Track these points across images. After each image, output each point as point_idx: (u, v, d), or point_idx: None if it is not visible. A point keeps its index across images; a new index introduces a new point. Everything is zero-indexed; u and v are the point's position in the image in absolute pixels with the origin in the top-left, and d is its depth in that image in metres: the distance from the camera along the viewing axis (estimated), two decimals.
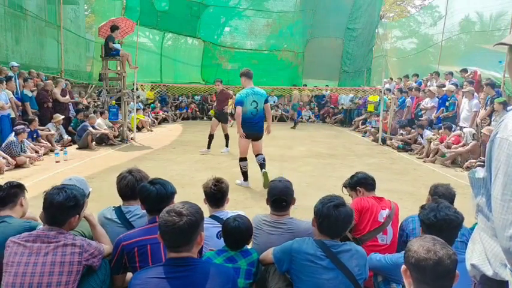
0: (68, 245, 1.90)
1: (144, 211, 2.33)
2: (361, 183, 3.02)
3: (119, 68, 10.23)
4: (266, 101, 5.72)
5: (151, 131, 13.31)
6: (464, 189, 5.35)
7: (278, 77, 18.96)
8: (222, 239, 2.34)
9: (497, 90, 8.59)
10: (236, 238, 2.26)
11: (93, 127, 9.60)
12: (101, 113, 10.33)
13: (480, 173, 1.27)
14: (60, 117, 9.49)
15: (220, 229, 2.37)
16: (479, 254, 1.16)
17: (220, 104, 9.09)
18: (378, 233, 2.74)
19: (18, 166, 7.05)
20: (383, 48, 18.92)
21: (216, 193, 2.67)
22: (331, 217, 2.03)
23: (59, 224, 1.96)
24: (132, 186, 2.48)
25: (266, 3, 19.38)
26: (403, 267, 1.46)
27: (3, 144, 7.15)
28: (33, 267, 1.82)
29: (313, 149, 9.80)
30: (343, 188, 3.16)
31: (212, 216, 2.66)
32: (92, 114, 10.00)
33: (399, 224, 2.79)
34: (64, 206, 1.92)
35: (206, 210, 2.55)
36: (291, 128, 15.03)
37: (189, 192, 5.08)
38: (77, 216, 2.02)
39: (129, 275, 2.18)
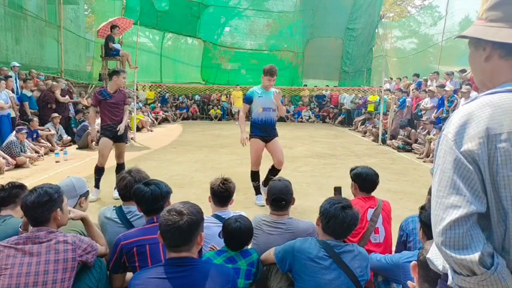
0: (60, 242, 1.91)
1: (142, 213, 2.31)
2: (356, 178, 2.86)
3: None
4: None
5: (151, 131, 13.32)
6: None
7: (278, 77, 18.75)
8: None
9: None
10: (237, 239, 2.25)
11: None
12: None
13: None
14: (56, 115, 9.48)
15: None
16: (435, 248, 1.19)
17: (116, 111, 5.12)
18: (369, 235, 2.68)
19: (18, 166, 7.05)
20: (383, 48, 18.91)
21: (224, 192, 2.67)
22: (338, 218, 2.02)
23: (43, 222, 1.96)
24: (130, 187, 2.45)
25: (266, 3, 19.40)
26: (413, 263, 1.48)
27: (3, 144, 7.15)
28: (27, 267, 1.82)
29: (314, 149, 9.80)
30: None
31: (215, 216, 2.66)
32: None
33: (399, 225, 2.73)
34: (38, 203, 1.92)
35: (206, 210, 2.55)
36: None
37: (189, 192, 5.09)
38: (58, 210, 1.99)
39: (129, 275, 2.18)
